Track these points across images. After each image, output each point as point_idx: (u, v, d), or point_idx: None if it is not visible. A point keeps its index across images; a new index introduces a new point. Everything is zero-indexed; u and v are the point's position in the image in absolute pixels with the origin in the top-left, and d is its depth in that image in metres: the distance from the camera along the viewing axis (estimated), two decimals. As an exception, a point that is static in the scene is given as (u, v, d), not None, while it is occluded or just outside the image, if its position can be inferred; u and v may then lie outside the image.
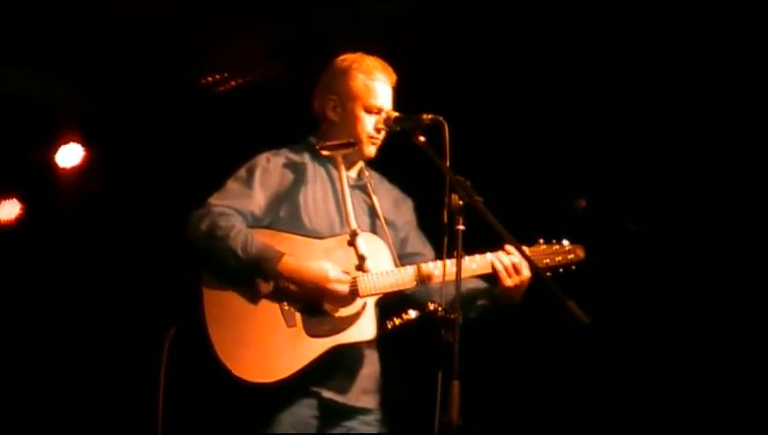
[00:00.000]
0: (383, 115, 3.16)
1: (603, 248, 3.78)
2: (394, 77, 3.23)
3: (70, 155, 4.85)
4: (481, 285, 3.14)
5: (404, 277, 3.05)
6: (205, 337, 2.90)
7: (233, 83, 4.76)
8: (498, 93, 4.43)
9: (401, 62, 3.26)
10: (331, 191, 3.18)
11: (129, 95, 4.70)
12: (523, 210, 4.11)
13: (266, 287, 2.97)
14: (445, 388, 2.63)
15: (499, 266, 3.07)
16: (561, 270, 3.19)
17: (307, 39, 4.34)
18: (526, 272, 3.07)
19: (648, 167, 4.26)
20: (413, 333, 2.99)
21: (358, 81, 3.19)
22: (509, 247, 3.08)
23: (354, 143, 3.16)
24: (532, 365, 4.45)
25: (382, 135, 3.19)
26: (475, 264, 3.07)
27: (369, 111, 3.17)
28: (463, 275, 2.84)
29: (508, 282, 3.06)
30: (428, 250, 3.27)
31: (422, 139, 2.93)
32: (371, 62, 3.23)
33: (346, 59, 3.25)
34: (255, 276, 2.96)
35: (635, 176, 4.26)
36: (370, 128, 3.17)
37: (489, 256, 3.09)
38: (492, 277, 3.10)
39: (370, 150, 3.20)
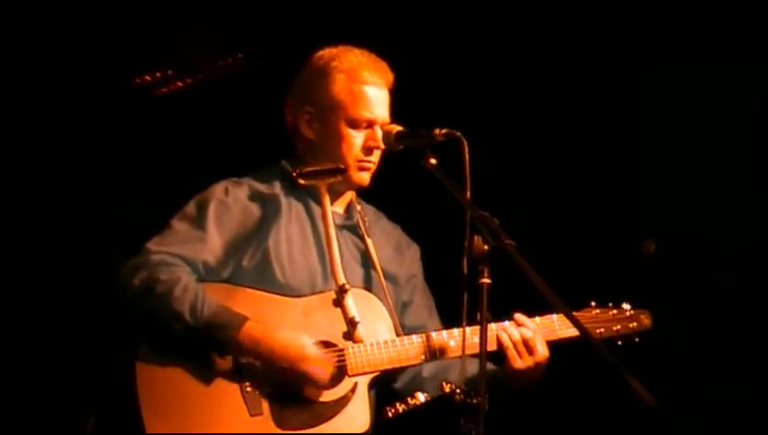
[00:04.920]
0: (378, 130, 3.25)
1: (681, 310, 3.86)
2: (390, 76, 3.32)
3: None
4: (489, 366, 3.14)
5: (408, 350, 3.15)
6: (139, 431, 2.98)
7: (179, 84, 4.85)
8: (534, 98, 4.52)
9: (405, 57, 3.34)
10: (312, 233, 3.28)
11: (35, 101, 4.77)
12: (571, 257, 4.21)
13: (223, 362, 3.06)
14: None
15: (507, 343, 3.17)
16: (619, 343, 3.29)
17: (280, 26, 4.43)
18: (542, 350, 3.17)
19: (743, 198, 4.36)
20: (422, 423, 3.07)
21: (338, 84, 3.29)
22: (519, 317, 3.18)
23: (344, 169, 3.25)
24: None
25: (377, 156, 3.28)
26: (477, 337, 3.06)
27: (355, 124, 3.27)
28: (468, 352, 2.94)
29: (518, 363, 3.15)
30: (433, 322, 3.37)
31: (433, 161, 3.01)
32: (357, 57, 3.32)
33: (323, 55, 3.35)
34: (207, 349, 3.04)
35: (723, 212, 4.35)
36: (359, 148, 3.26)
37: (494, 327, 3.15)
38: (498, 355, 3.17)
39: (361, 177, 3.29)
